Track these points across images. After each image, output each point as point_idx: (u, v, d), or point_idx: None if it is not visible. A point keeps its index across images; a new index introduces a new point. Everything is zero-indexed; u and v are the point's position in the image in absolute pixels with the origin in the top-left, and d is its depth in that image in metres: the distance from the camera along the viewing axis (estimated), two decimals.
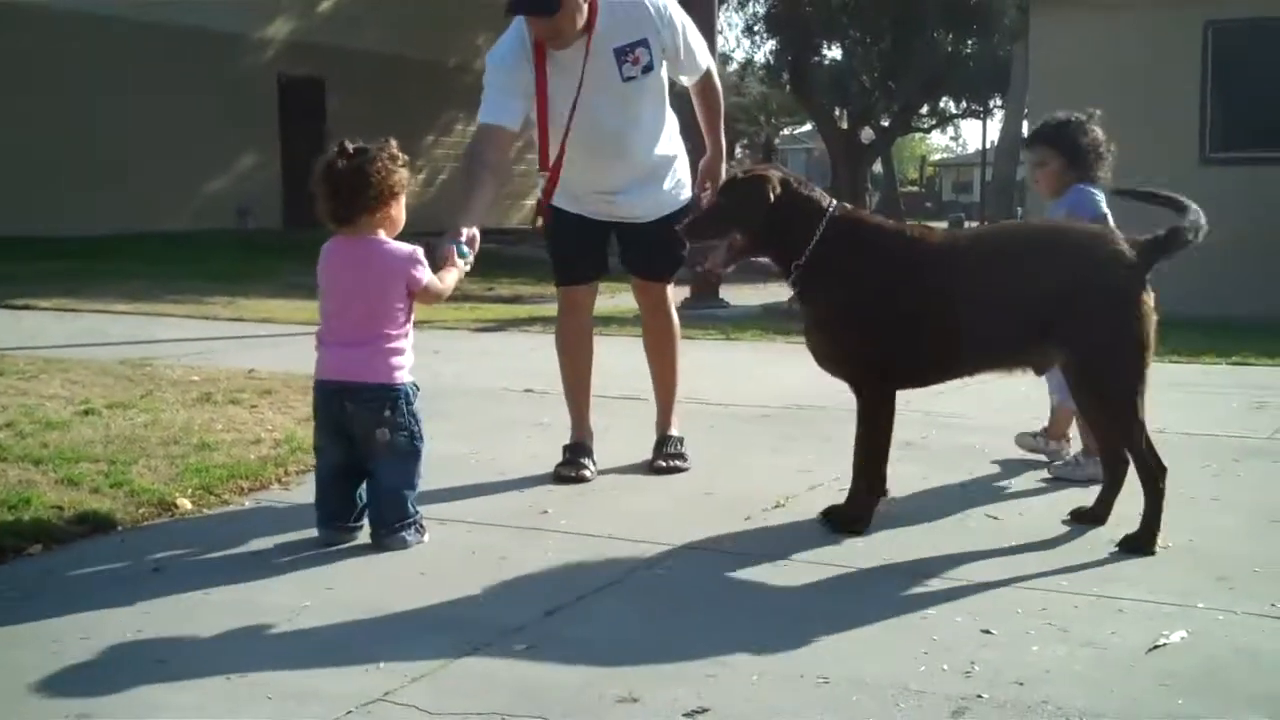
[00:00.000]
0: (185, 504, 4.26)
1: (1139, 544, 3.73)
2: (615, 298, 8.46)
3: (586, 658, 2.97)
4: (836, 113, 35.92)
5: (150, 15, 19.28)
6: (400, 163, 3.83)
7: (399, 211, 3.87)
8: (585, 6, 4.39)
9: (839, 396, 4.44)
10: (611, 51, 4.49)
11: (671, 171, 4.84)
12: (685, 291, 12.08)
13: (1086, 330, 3.80)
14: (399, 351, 3.84)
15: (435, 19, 24.15)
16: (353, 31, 22.86)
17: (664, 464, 4.86)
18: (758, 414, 6.02)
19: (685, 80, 4.85)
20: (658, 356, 5.05)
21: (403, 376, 3.84)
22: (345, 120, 22.17)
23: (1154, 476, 3.79)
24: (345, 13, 23.19)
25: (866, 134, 37.12)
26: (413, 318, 3.90)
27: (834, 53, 38.49)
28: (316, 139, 22.10)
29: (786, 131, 50.70)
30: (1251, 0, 12.50)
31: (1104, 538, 3.87)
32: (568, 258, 4.87)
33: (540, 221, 4.74)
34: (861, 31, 34.42)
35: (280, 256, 16.94)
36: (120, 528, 4.03)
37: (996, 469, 4.90)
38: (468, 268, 4.06)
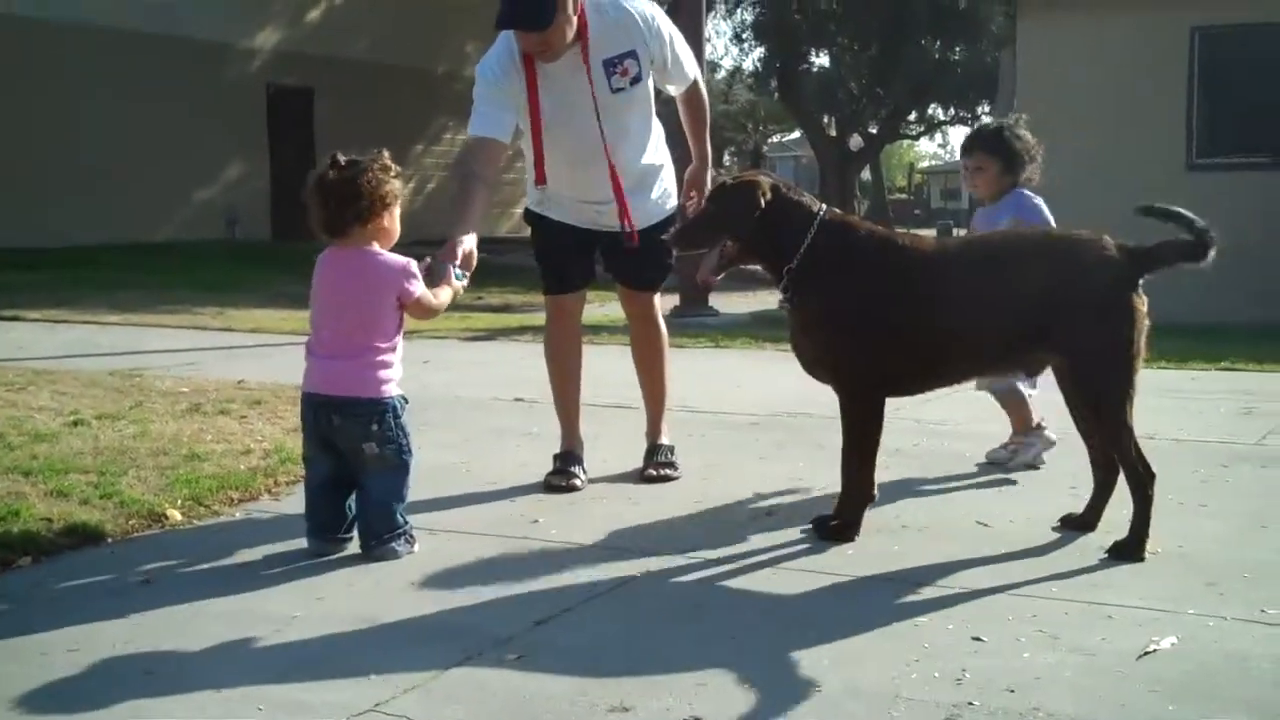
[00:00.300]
0: (175, 515, 4.25)
1: (1128, 550, 3.74)
2: (605, 306, 8.47)
3: (578, 667, 2.96)
4: (825, 120, 35.98)
5: (139, 25, 19.26)
6: (392, 174, 3.83)
7: (393, 223, 3.86)
8: (575, 19, 4.40)
9: (829, 404, 4.44)
10: (600, 63, 4.50)
11: (658, 180, 4.85)
12: (674, 299, 12.09)
13: (1078, 335, 3.80)
14: (387, 365, 3.83)
15: (424, 28, 24.17)
16: (341, 41, 22.87)
17: (654, 472, 4.86)
18: (748, 422, 6.02)
19: (672, 90, 4.86)
20: (646, 365, 5.06)
21: (391, 390, 3.83)
22: (334, 129, 22.23)
23: (1143, 483, 3.80)
24: (334, 22, 23.19)
25: (855, 141, 37.20)
26: (402, 330, 3.90)
27: (822, 60, 38.55)
28: (305, 148, 22.17)
29: (775, 139, 50.77)
30: (1238, 6, 12.56)
31: (1094, 544, 3.88)
32: (555, 266, 4.88)
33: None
34: (849, 39, 34.49)
35: (269, 266, 16.94)
36: (110, 539, 4.02)
37: (986, 476, 4.91)
38: (463, 288, 4.04)
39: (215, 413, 5.82)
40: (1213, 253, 3.79)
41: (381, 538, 3.80)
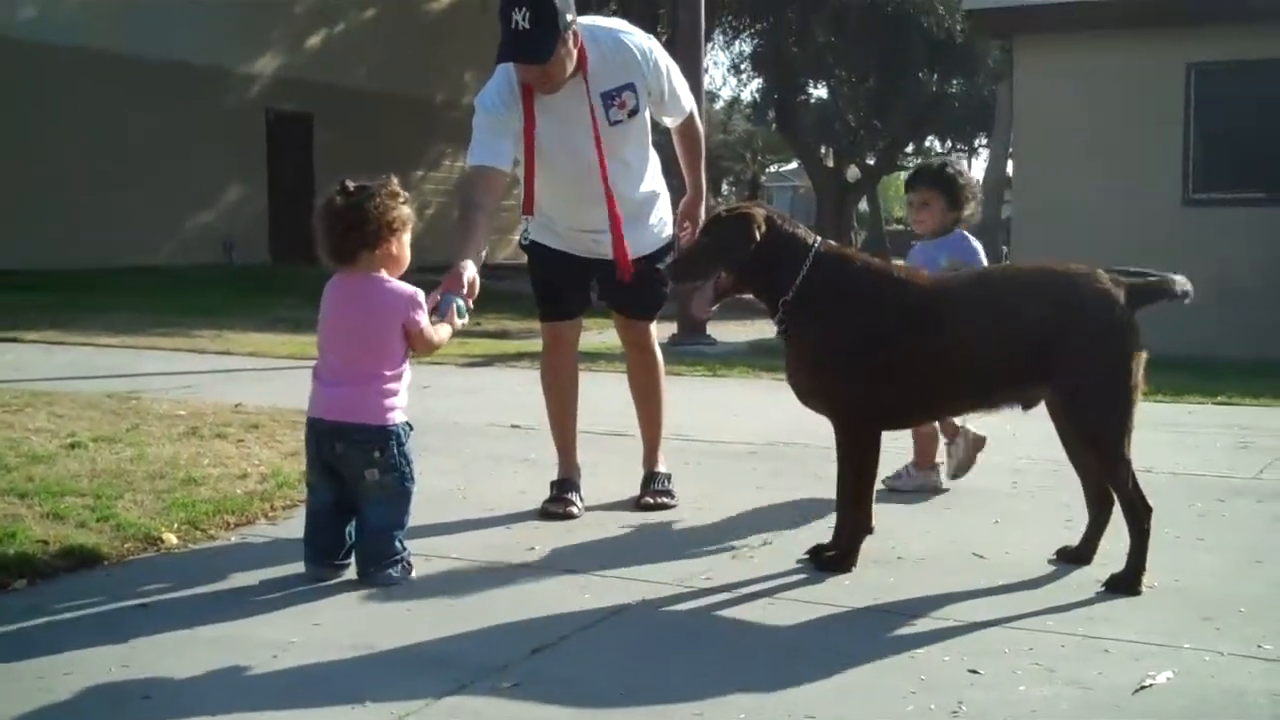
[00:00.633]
0: (171, 539, 4.25)
1: (1125, 584, 3.74)
2: (603, 334, 8.46)
3: (573, 697, 2.96)
4: (822, 151, 36.14)
5: (138, 49, 19.32)
6: (400, 200, 3.82)
7: (401, 249, 3.85)
8: (575, 52, 4.42)
9: (826, 434, 4.44)
10: (599, 95, 4.53)
11: (654, 210, 4.88)
12: (672, 328, 12.10)
13: (1075, 369, 3.81)
14: (393, 392, 3.82)
15: (422, 56, 24.27)
16: (341, 67, 22.95)
17: (651, 501, 4.86)
18: (745, 451, 6.03)
19: (669, 122, 4.89)
20: (642, 394, 5.07)
21: (396, 417, 3.82)
22: (333, 155, 22.29)
23: (1140, 517, 3.80)
24: (334, 49, 23.28)
25: (852, 172, 37.36)
26: (409, 358, 3.89)
27: (820, 91, 38.71)
28: (304, 174, 22.23)
29: (772, 169, 50.92)
30: (1233, 43, 12.62)
31: (1090, 577, 3.88)
32: (552, 294, 4.89)
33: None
34: (847, 71, 34.63)
35: (267, 290, 16.94)
36: (106, 562, 4.01)
37: (982, 508, 4.91)
38: (464, 324, 4.03)
39: (212, 436, 5.81)
40: (1191, 290, 3.89)
41: (380, 564, 3.80)
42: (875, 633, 3.41)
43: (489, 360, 10.30)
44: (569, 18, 4.36)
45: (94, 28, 18.88)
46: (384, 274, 3.82)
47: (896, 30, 30.92)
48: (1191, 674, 3.09)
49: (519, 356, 10.23)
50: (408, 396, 3.90)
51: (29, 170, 18.07)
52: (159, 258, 19.19)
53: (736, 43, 35.75)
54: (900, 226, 69.95)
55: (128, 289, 15.87)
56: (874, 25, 30.62)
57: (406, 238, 3.87)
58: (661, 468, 5.01)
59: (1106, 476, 3.90)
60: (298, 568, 3.90)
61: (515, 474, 5.40)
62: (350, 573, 3.88)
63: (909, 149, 44.25)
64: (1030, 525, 4.62)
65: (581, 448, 4.98)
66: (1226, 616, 3.52)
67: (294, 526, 4.50)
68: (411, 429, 3.89)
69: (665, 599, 3.70)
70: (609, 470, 5.24)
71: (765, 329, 11.77)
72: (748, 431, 6.52)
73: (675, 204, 4.97)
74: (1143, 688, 2.99)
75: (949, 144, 46.33)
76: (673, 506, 4.86)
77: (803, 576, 3.92)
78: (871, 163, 37.55)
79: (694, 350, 11.33)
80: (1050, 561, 4.07)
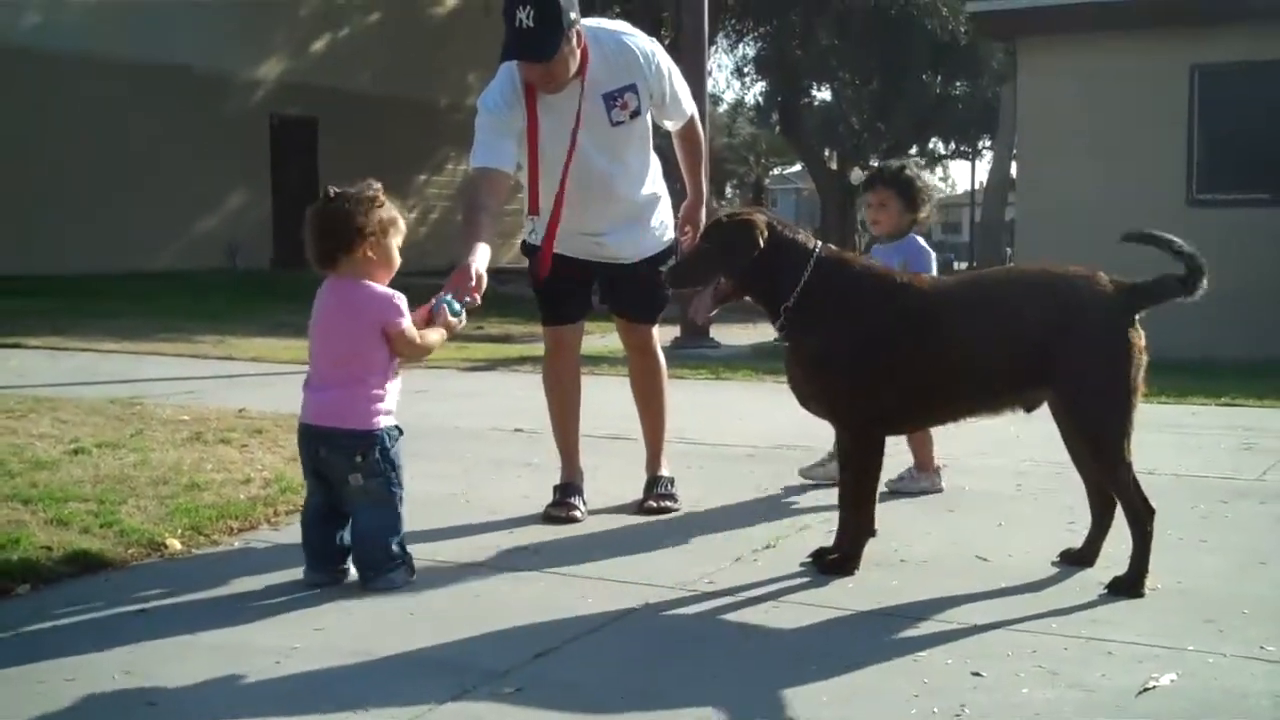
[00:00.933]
0: (174, 544, 4.25)
1: (1128, 586, 3.73)
2: (605, 337, 8.47)
3: (576, 702, 2.96)
4: (826, 153, 36.18)
5: (142, 55, 19.37)
6: (377, 203, 3.80)
7: (382, 253, 3.83)
8: (578, 52, 4.43)
9: (829, 437, 4.45)
10: (601, 97, 4.54)
11: (656, 212, 4.88)
12: (674, 331, 12.10)
13: (1076, 371, 3.80)
14: (378, 397, 3.81)
15: (427, 59, 24.31)
16: (345, 72, 22.98)
17: (654, 504, 4.87)
18: (747, 454, 6.02)
19: (669, 125, 4.90)
20: (645, 397, 5.07)
21: (379, 422, 3.81)
22: (337, 160, 22.31)
23: (1142, 519, 3.79)
24: (337, 53, 23.32)
25: (856, 174, 37.38)
26: (397, 362, 3.88)
27: (823, 94, 38.75)
28: (309, 179, 22.23)
29: (776, 171, 51.02)
30: (1237, 44, 12.62)
31: (1093, 579, 3.88)
32: (553, 298, 4.89)
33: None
34: (850, 73, 34.65)
35: (270, 295, 16.95)
36: (109, 568, 4.01)
37: (985, 510, 4.91)
38: (460, 323, 4.01)
39: (216, 441, 5.82)
40: (1205, 282, 3.77)
41: (378, 569, 3.79)
42: (878, 636, 3.41)
43: (491, 364, 10.31)
44: (573, 16, 4.37)
45: (97, 33, 18.93)
46: (366, 278, 3.82)
47: (900, 33, 30.92)
48: (1194, 676, 3.08)
49: (521, 360, 10.24)
50: (396, 400, 3.89)
51: (32, 175, 18.12)
52: (162, 263, 19.23)
53: (740, 46, 35.75)
54: None
55: (131, 294, 15.90)
56: (877, 28, 30.63)
57: (391, 241, 3.85)
58: (665, 471, 5.01)
59: (1107, 479, 3.89)
60: (300, 573, 3.90)
61: (517, 478, 5.40)
62: (353, 578, 3.87)
63: (913, 151, 44.23)
64: (1033, 528, 4.61)
65: (583, 451, 4.98)
66: (1229, 618, 3.51)
67: (297, 532, 4.48)
68: (400, 433, 3.88)
69: (668, 603, 3.70)
70: (611, 473, 5.24)
71: (767, 332, 11.75)
72: (750, 435, 6.52)
73: (676, 208, 4.97)
74: (1146, 690, 2.99)
75: (953, 146, 46.35)
76: (676, 510, 4.86)
77: (806, 580, 3.92)
78: (875, 165, 37.53)
79: (697, 353, 11.33)
80: (1053, 564, 4.06)
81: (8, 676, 3.10)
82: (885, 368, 3.88)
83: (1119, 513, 3.90)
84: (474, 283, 4.01)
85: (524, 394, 7.51)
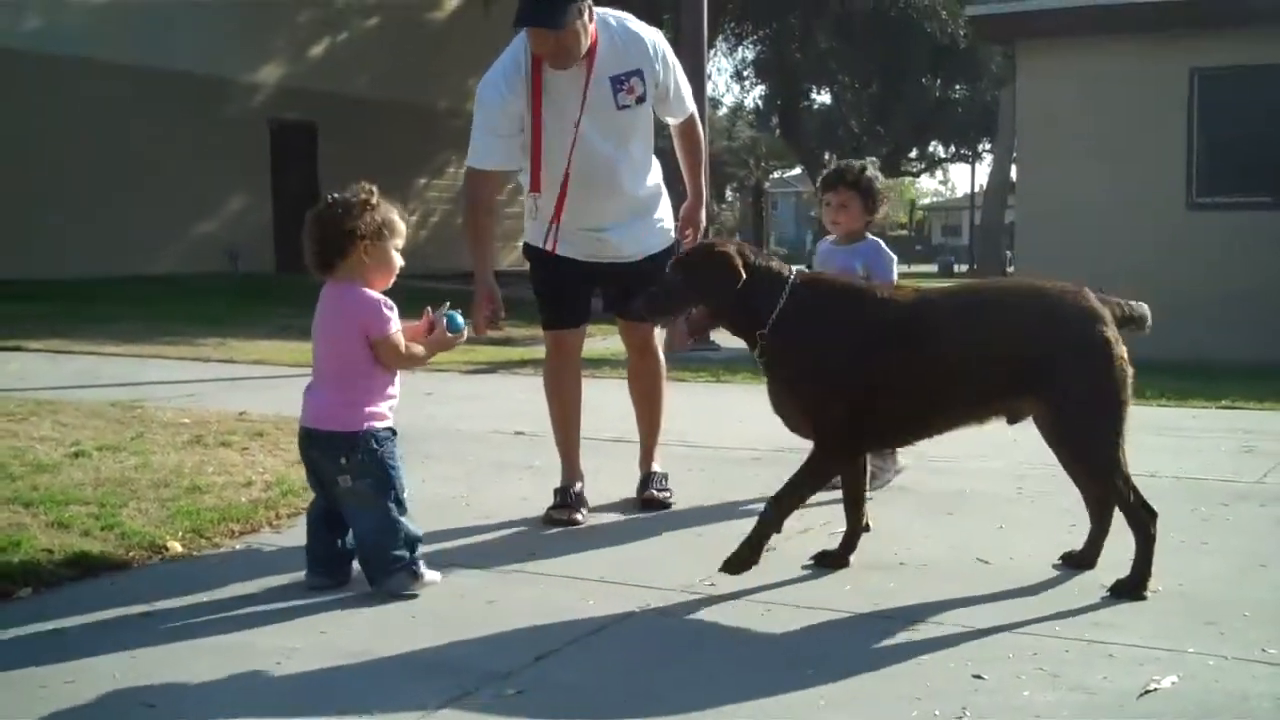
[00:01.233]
0: (176, 547, 4.25)
1: (1130, 589, 3.73)
2: (607, 339, 8.48)
3: (577, 704, 2.96)
4: (826, 157, 36.20)
5: (142, 59, 19.39)
6: (371, 207, 3.80)
7: (380, 255, 3.83)
8: (589, 30, 4.46)
9: None
10: (608, 79, 4.57)
11: (658, 208, 4.90)
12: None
13: (1066, 386, 3.76)
14: (366, 400, 3.81)
15: (426, 63, 24.32)
16: (344, 76, 23.00)
17: (652, 495, 4.94)
18: (748, 457, 6.03)
19: (670, 121, 4.93)
20: (643, 397, 5.09)
21: (367, 424, 3.80)
22: (337, 164, 22.30)
23: (1144, 523, 3.78)
24: (336, 57, 23.33)
25: None
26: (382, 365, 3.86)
27: (823, 97, 38.80)
28: (308, 183, 22.22)
29: (776, 175, 51.05)
30: (1237, 48, 12.63)
31: (1094, 582, 3.88)
32: (555, 302, 4.90)
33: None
34: (850, 76, 34.67)
35: (271, 299, 16.96)
36: (110, 571, 4.02)
37: (985, 513, 4.91)
38: (461, 339, 4.01)
39: (217, 444, 5.82)
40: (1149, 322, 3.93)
41: (381, 573, 3.79)
42: (878, 639, 3.41)
43: (492, 367, 10.31)
44: None
45: (98, 37, 18.95)
46: (359, 282, 3.82)
47: (899, 36, 30.97)
48: (1195, 678, 3.08)
49: (522, 363, 10.24)
50: (392, 404, 3.88)
51: (33, 179, 18.13)
52: (163, 267, 19.23)
53: (739, 49, 35.81)
54: (904, 232, 69.98)
55: (132, 298, 15.90)
56: (877, 31, 30.67)
57: (387, 244, 3.84)
58: (657, 467, 5.07)
59: (1104, 490, 3.88)
60: (302, 575, 3.90)
61: (519, 481, 5.41)
62: (353, 580, 3.88)
63: (912, 154, 44.28)
64: (1034, 530, 4.61)
65: (584, 453, 4.99)
66: (1230, 621, 3.51)
67: (298, 534, 4.50)
68: (393, 434, 3.86)
69: (669, 605, 3.70)
70: (612, 476, 5.24)
71: None
72: (751, 437, 6.51)
73: (676, 211, 4.99)
74: (1147, 692, 2.99)
75: (952, 149, 46.38)
76: (671, 504, 4.90)
77: (806, 583, 3.92)
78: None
79: (698, 356, 11.33)
80: (1055, 566, 4.06)
81: (9, 679, 3.10)
82: (869, 386, 3.83)
83: (1119, 513, 3.89)
84: (497, 305, 4.35)
85: (525, 397, 7.52)
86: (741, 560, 3.85)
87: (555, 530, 4.60)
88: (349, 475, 3.80)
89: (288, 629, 3.48)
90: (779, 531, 3.93)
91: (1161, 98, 12.96)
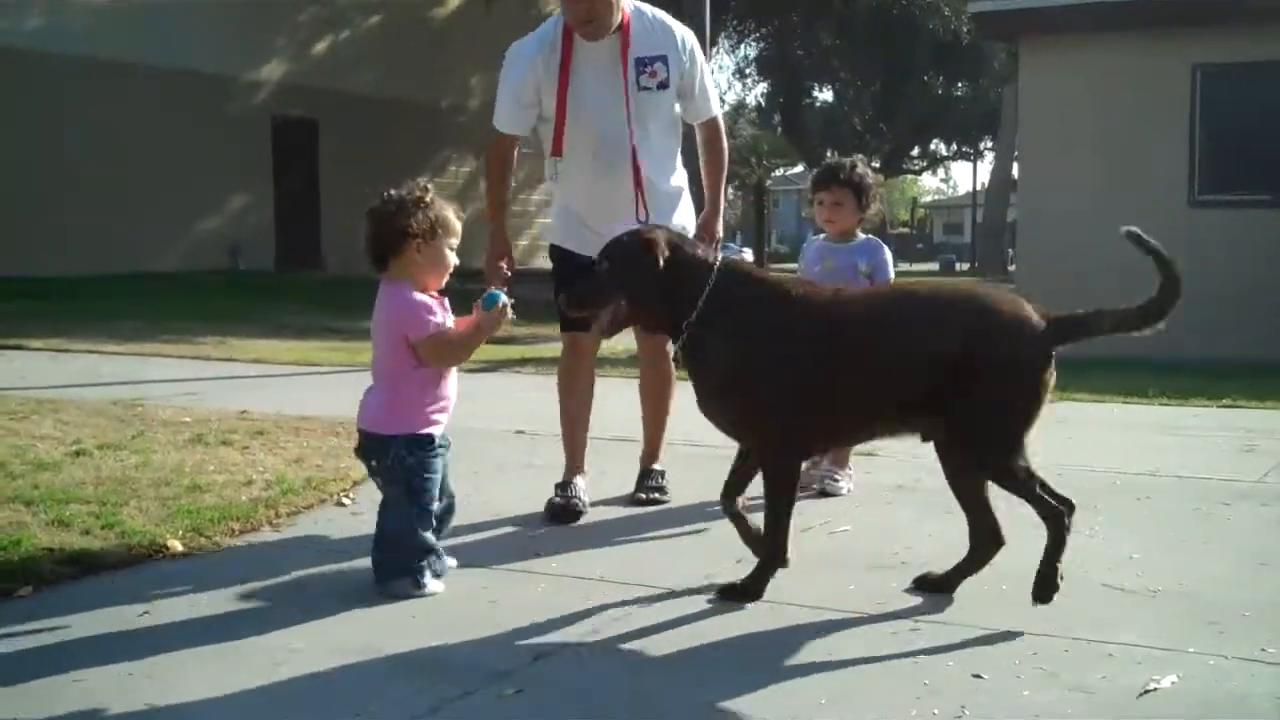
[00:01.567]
0: (176, 546, 4.25)
1: (1039, 589, 3.54)
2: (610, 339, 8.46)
3: (577, 703, 2.96)
4: (828, 155, 36.23)
5: (143, 57, 19.39)
6: (422, 205, 3.80)
7: (432, 254, 3.81)
8: (622, 6, 4.60)
9: None
10: (634, 60, 4.68)
11: (679, 209, 4.92)
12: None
13: (966, 401, 3.50)
14: (407, 404, 3.82)
15: (428, 61, 24.31)
16: (346, 74, 23.00)
17: (644, 496, 4.97)
18: None
19: (693, 119, 4.98)
20: (652, 394, 5.13)
21: (398, 428, 3.81)
22: (339, 161, 22.34)
23: (1058, 516, 3.59)
24: (339, 55, 23.33)
25: None
26: (437, 371, 3.86)
27: (825, 95, 38.77)
28: (310, 180, 22.25)
29: (778, 173, 51.04)
30: (1239, 44, 12.62)
31: (1094, 581, 3.88)
32: None
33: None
34: (852, 75, 34.64)
35: (272, 297, 16.98)
36: (111, 569, 4.01)
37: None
38: (503, 318, 3.89)
39: (217, 443, 5.82)
40: (1167, 314, 3.55)
41: (391, 574, 3.79)
42: (879, 637, 3.41)
43: (493, 366, 10.30)
44: None
45: (99, 36, 18.96)
46: (411, 280, 3.82)
47: (902, 33, 30.93)
48: (1195, 678, 3.08)
49: (523, 362, 10.24)
50: (439, 409, 3.87)
51: (34, 178, 18.14)
52: (165, 264, 19.25)
53: (742, 46, 35.78)
54: (906, 230, 69.94)
55: (133, 295, 15.92)
56: (879, 28, 30.64)
57: (439, 243, 3.83)
58: (658, 465, 5.10)
59: (1015, 488, 3.65)
60: (302, 574, 3.91)
61: (520, 480, 5.41)
62: (354, 579, 3.88)
63: (914, 152, 44.23)
64: (1033, 529, 4.59)
65: (588, 453, 5.01)
66: (1230, 620, 3.51)
67: (298, 533, 4.52)
68: (431, 442, 3.84)
69: (669, 605, 3.70)
70: (615, 476, 5.24)
71: None
72: None
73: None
74: (1147, 692, 2.99)
75: (955, 147, 46.33)
76: (666, 502, 4.95)
77: (806, 582, 3.91)
78: (877, 166, 37.54)
79: None
80: (907, 591, 3.85)
81: (9, 678, 3.10)
82: (789, 384, 3.62)
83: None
84: (509, 257, 4.63)
85: (525, 396, 7.52)
86: (747, 593, 3.71)
87: (555, 528, 4.61)
88: (380, 478, 3.85)
89: (288, 628, 3.48)
90: (785, 564, 3.77)
91: (1164, 95, 12.96)
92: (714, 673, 3.16)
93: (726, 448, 6.21)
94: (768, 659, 3.27)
